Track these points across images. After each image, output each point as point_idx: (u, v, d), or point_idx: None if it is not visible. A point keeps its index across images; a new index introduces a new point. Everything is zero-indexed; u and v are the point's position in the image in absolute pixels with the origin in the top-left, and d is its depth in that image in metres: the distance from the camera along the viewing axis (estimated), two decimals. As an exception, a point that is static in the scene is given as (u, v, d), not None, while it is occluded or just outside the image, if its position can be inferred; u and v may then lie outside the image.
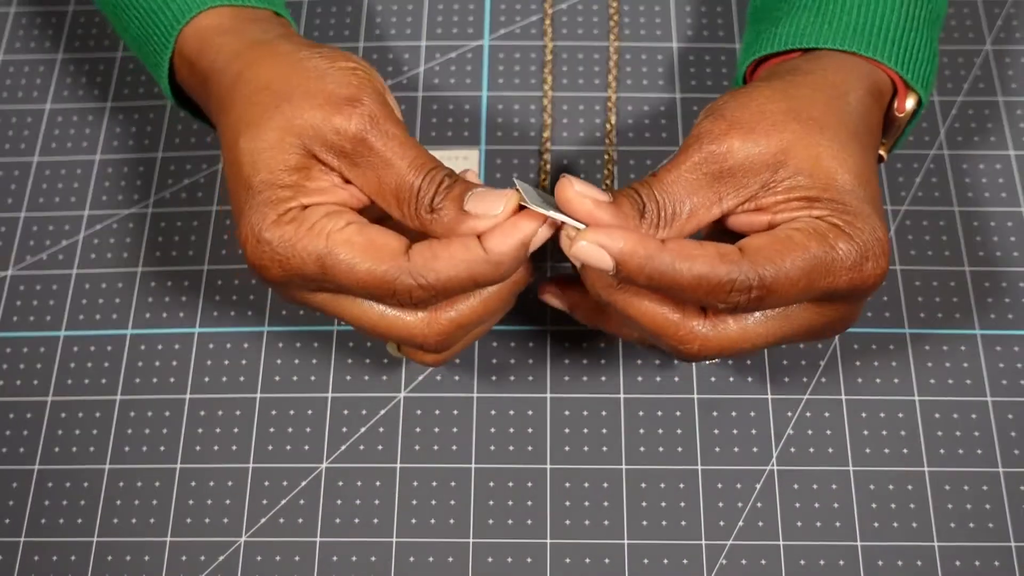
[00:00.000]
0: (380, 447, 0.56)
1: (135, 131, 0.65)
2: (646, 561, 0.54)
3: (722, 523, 0.55)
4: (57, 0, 0.69)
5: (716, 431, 0.56)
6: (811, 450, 0.56)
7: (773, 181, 0.47)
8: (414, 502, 0.55)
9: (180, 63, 0.53)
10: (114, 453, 0.56)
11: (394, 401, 0.57)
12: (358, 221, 0.46)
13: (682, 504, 0.55)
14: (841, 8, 0.52)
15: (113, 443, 0.57)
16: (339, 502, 0.55)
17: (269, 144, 0.47)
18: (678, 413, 0.57)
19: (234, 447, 0.56)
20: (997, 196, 0.62)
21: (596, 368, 0.58)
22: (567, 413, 0.57)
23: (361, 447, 0.56)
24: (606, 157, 0.63)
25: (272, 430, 0.57)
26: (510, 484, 0.56)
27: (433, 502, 0.55)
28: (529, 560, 0.54)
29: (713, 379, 0.58)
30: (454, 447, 0.56)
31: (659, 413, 0.57)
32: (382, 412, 0.57)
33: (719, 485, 0.55)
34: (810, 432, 0.56)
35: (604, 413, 0.57)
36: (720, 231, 0.49)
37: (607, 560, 0.54)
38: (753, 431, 0.56)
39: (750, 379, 0.58)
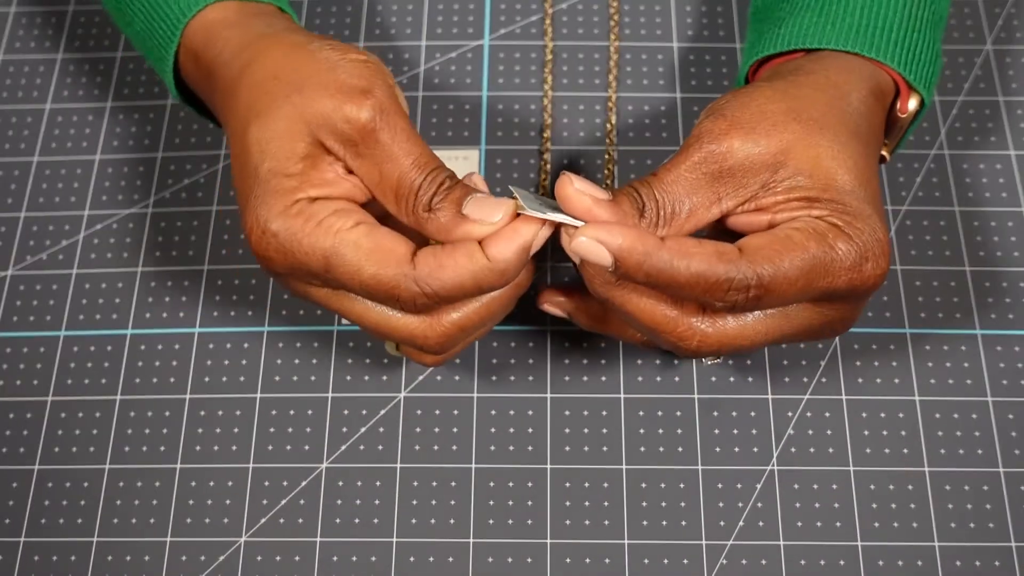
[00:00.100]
0: (380, 447, 0.56)
1: (135, 131, 0.65)
2: (646, 561, 0.54)
3: (722, 523, 0.55)
4: (57, 0, 0.69)
5: (716, 431, 0.56)
6: (811, 450, 0.56)
7: (773, 181, 0.47)
8: (414, 502, 0.55)
9: (185, 57, 0.53)
10: (114, 453, 0.56)
11: (394, 401, 0.57)
12: (367, 222, 0.46)
13: (682, 504, 0.55)
14: (844, 9, 0.52)
15: (113, 443, 0.57)
16: (339, 502, 0.55)
17: (278, 133, 0.47)
18: (678, 413, 0.57)
19: (234, 447, 0.56)
20: (997, 196, 0.62)
21: (596, 368, 0.58)
22: (567, 413, 0.57)
23: (361, 447, 0.56)
24: (606, 157, 0.63)
25: (272, 430, 0.57)
26: (510, 484, 0.56)
27: (433, 502, 0.55)
28: (529, 560, 0.54)
29: (713, 379, 0.58)
30: (454, 447, 0.56)
31: (659, 413, 0.57)
32: (382, 412, 0.57)
33: (719, 485, 0.55)
34: (810, 432, 0.56)
35: (604, 413, 0.57)
36: (721, 231, 0.49)
37: (607, 560, 0.54)
38: (753, 431, 0.56)
39: (750, 379, 0.58)
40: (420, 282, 0.45)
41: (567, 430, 0.57)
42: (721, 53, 0.66)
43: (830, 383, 0.57)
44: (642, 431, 0.57)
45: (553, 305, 0.53)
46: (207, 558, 0.54)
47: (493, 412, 0.57)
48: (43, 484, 0.56)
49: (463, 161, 0.63)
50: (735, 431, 0.56)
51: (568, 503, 0.55)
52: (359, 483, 0.56)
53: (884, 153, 0.54)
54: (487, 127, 0.64)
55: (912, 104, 0.52)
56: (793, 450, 0.56)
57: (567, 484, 0.55)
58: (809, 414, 0.57)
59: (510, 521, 0.55)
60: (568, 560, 0.54)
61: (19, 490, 0.56)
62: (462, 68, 0.66)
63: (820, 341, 0.58)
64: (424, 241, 0.48)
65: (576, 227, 0.45)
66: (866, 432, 0.56)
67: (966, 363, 0.58)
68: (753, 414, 0.57)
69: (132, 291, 0.60)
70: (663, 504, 0.55)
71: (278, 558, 0.54)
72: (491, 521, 0.55)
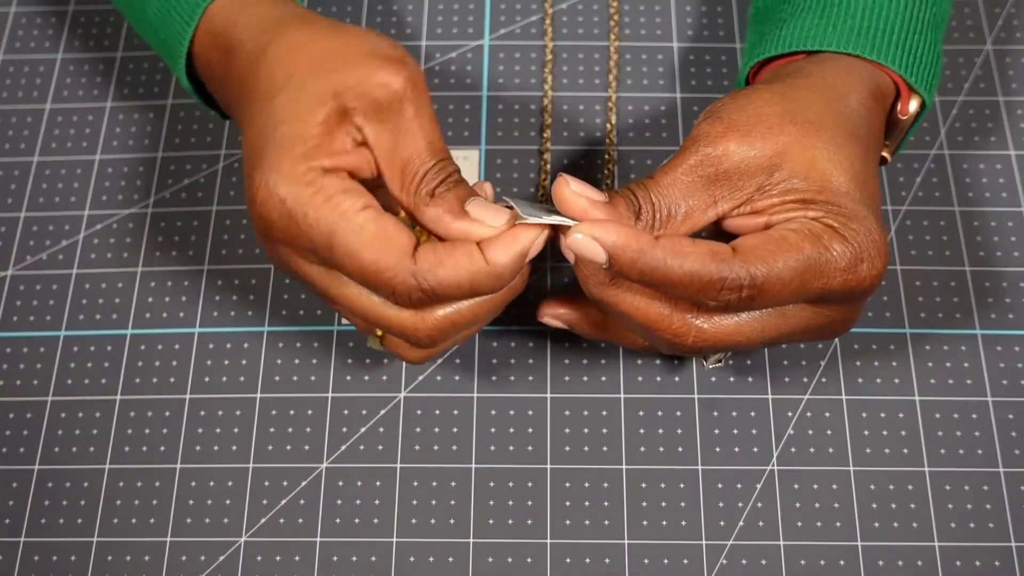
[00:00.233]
0: (380, 447, 0.56)
1: (135, 131, 0.65)
2: (646, 561, 0.54)
3: (722, 523, 0.55)
4: (57, 0, 0.69)
5: (716, 431, 0.56)
6: (811, 450, 0.56)
7: (768, 184, 0.47)
8: (414, 502, 0.55)
9: (201, 39, 0.52)
10: (114, 453, 0.56)
11: (394, 401, 0.57)
12: (374, 207, 0.46)
13: (682, 504, 0.55)
14: (845, 11, 0.52)
15: (113, 443, 0.57)
16: (339, 502, 0.55)
17: (304, 98, 0.46)
18: (678, 413, 0.57)
19: (234, 447, 0.56)
20: (997, 196, 0.62)
21: (596, 368, 0.58)
22: (567, 413, 0.57)
23: (361, 447, 0.56)
24: (606, 157, 0.63)
25: (272, 430, 0.57)
26: (510, 484, 0.56)
27: (433, 502, 0.55)
28: (529, 560, 0.54)
29: (713, 379, 0.58)
30: (454, 447, 0.56)
31: (659, 413, 0.57)
32: (382, 412, 0.57)
33: (719, 485, 0.55)
34: (810, 432, 0.56)
35: (604, 413, 0.57)
36: (719, 234, 0.49)
37: (607, 560, 0.54)
38: (753, 431, 0.56)
39: (750, 379, 0.58)
40: (418, 276, 0.45)
41: (567, 430, 0.57)
42: (721, 53, 0.66)
43: (830, 383, 0.57)
44: (642, 431, 0.57)
45: (553, 317, 0.53)
46: (207, 558, 0.54)
47: (493, 412, 0.57)
48: (43, 484, 0.56)
49: (463, 161, 0.63)
50: (735, 431, 0.56)
51: (568, 503, 0.55)
52: (359, 483, 0.56)
53: (885, 155, 0.54)
54: (487, 127, 0.64)
55: (913, 106, 0.52)
56: (793, 450, 0.56)
57: (567, 484, 0.55)
58: (809, 414, 0.57)
59: (510, 521, 0.55)
60: (568, 560, 0.54)
61: (19, 490, 0.56)
62: (462, 68, 0.66)
63: (820, 342, 0.58)
64: None
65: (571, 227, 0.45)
66: (866, 432, 0.56)
67: (966, 363, 0.58)
68: (753, 414, 0.57)
69: (132, 291, 0.60)
70: (663, 504, 0.55)
71: (278, 558, 0.54)
72: (491, 521, 0.55)
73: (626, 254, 0.44)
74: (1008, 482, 0.55)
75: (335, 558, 0.54)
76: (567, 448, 0.56)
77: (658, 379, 0.58)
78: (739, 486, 0.55)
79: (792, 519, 0.55)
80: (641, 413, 0.57)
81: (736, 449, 0.56)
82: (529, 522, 0.55)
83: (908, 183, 0.62)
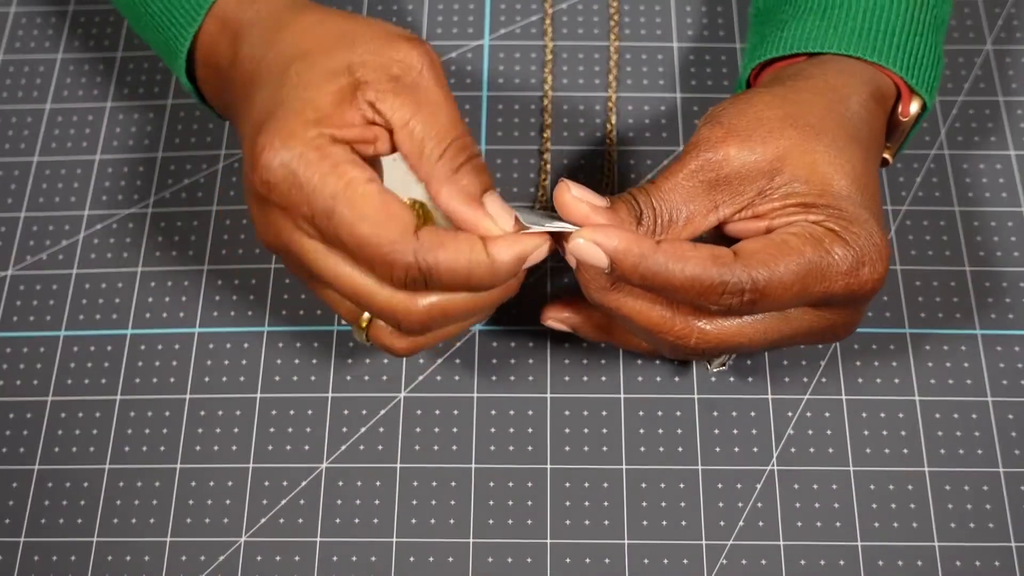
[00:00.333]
0: (380, 447, 0.56)
1: (135, 131, 0.65)
2: (646, 561, 0.54)
3: (722, 523, 0.55)
4: (57, 0, 0.69)
5: (716, 431, 0.56)
6: (811, 450, 0.56)
7: (769, 188, 0.47)
8: (414, 502, 0.55)
9: (208, 27, 0.51)
10: (114, 453, 0.56)
11: (394, 401, 0.57)
12: (380, 183, 0.45)
13: (682, 504, 0.55)
14: (846, 13, 0.52)
15: (113, 443, 0.57)
16: (339, 502, 0.55)
17: (319, 68, 0.46)
18: (678, 413, 0.57)
19: (234, 447, 0.56)
20: (997, 196, 0.62)
21: (596, 368, 0.58)
22: (567, 413, 0.57)
23: (361, 447, 0.56)
24: (606, 157, 0.63)
25: (272, 430, 0.57)
26: (510, 484, 0.56)
27: (433, 502, 0.55)
28: (529, 560, 0.54)
29: (713, 379, 0.58)
30: (454, 447, 0.56)
31: (659, 413, 0.57)
32: (382, 412, 0.57)
33: (719, 485, 0.55)
34: (810, 432, 0.56)
35: (604, 413, 0.57)
36: (721, 238, 0.49)
37: (607, 560, 0.54)
38: (753, 431, 0.56)
39: (750, 379, 0.58)
40: (418, 253, 0.44)
41: (567, 430, 0.57)
42: (721, 53, 0.66)
43: (830, 383, 0.57)
44: (642, 431, 0.57)
45: (557, 320, 0.53)
46: (207, 558, 0.54)
47: (493, 412, 0.57)
48: (43, 484, 0.56)
49: (463, 161, 0.63)
50: (735, 431, 0.56)
51: (568, 503, 0.55)
52: (359, 483, 0.56)
53: (886, 156, 0.54)
54: (487, 127, 0.64)
55: (914, 107, 0.52)
56: (793, 450, 0.56)
57: (567, 484, 0.55)
58: (809, 414, 0.57)
59: (510, 521, 0.55)
60: (568, 560, 0.54)
61: (19, 490, 0.56)
62: (462, 68, 0.66)
63: (824, 344, 0.58)
64: None
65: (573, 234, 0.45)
66: (866, 432, 0.56)
67: (966, 363, 0.58)
68: (753, 414, 0.57)
69: (132, 291, 0.60)
70: (663, 504, 0.55)
71: (278, 558, 0.54)
72: (491, 521, 0.55)
73: (628, 258, 0.44)
74: (1008, 482, 0.55)
75: (335, 558, 0.54)
76: (567, 448, 0.56)
77: (658, 379, 0.58)
78: (739, 486, 0.55)
79: (792, 519, 0.55)
80: (641, 413, 0.57)
81: (736, 449, 0.56)
82: (529, 522, 0.55)
83: (908, 183, 0.62)
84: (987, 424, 0.56)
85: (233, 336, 0.59)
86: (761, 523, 0.55)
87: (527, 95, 0.65)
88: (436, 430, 0.57)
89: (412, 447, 0.56)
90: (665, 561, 0.54)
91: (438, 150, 0.46)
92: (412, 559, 0.54)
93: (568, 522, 0.55)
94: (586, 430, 0.57)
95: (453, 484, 0.55)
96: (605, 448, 0.56)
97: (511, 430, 0.57)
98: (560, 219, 0.46)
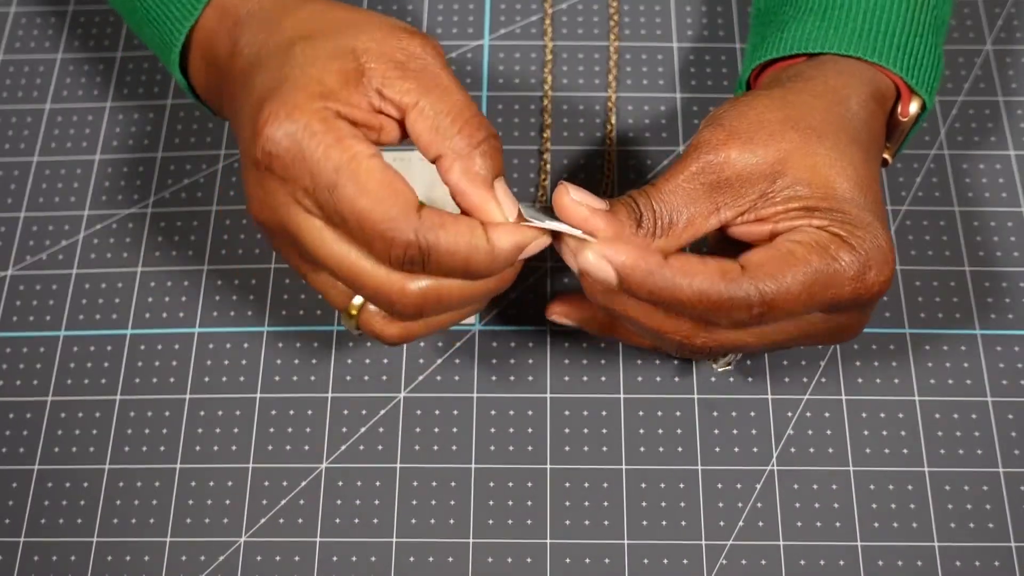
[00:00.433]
0: (380, 447, 0.56)
1: (135, 131, 0.65)
2: (646, 561, 0.54)
3: (722, 523, 0.55)
4: (57, 0, 0.69)
5: (716, 431, 0.56)
6: (811, 450, 0.56)
7: (771, 191, 0.47)
8: (414, 502, 0.55)
9: (207, 16, 0.51)
10: (114, 453, 0.56)
11: (394, 401, 0.57)
12: (383, 160, 0.45)
13: (682, 504, 0.55)
14: (846, 13, 0.52)
15: (113, 443, 0.57)
16: (339, 502, 0.55)
17: (323, 49, 0.46)
18: (678, 413, 0.57)
19: (234, 447, 0.56)
20: (997, 196, 0.62)
21: (596, 368, 0.58)
22: (567, 413, 0.57)
23: (361, 447, 0.56)
24: (606, 157, 0.63)
25: (272, 430, 0.57)
26: (510, 484, 0.56)
27: (433, 502, 0.55)
28: (529, 560, 0.54)
29: (713, 379, 0.58)
30: (454, 447, 0.56)
31: (659, 413, 0.57)
32: (382, 412, 0.57)
33: (719, 485, 0.55)
34: (810, 432, 0.56)
35: (604, 413, 0.57)
36: (724, 240, 0.49)
37: (607, 560, 0.54)
38: (753, 431, 0.56)
39: (750, 379, 0.58)
40: (419, 231, 0.43)
41: (567, 430, 0.57)
42: (721, 53, 0.66)
43: (830, 383, 0.57)
44: (642, 431, 0.57)
45: (562, 316, 0.53)
46: (207, 558, 0.54)
47: (493, 412, 0.57)
48: (43, 484, 0.56)
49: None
50: (735, 431, 0.56)
51: (568, 503, 0.55)
52: (359, 483, 0.56)
53: (886, 156, 0.54)
54: (487, 127, 0.64)
55: (913, 108, 0.52)
56: (793, 450, 0.56)
57: (567, 484, 0.55)
58: (809, 414, 0.57)
59: (510, 521, 0.55)
60: (568, 560, 0.54)
61: (19, 490, 0.56)
62: (462, 68, 0.66)
63: (830, 345, 0.58)
64: None
65: (573, 235, 0.45)
66: (866, 432, 0.56)
67: (966, 363, 0.58)
68: (753, 414, 0.57)
69: (132, 291, 0.60)
70: (663, 504, 0.55)
71: (278, 558, 0.54)
72: (491, 521, 0.55)
73: (635, 274, 0.44)
74: (1008, 482, 0.55)
75: (335, 558, 0.54)
76: (567, 448, 0.56)
77: (658, 379, 0.58)
78: (739, 486, 0.55)
79: (792, 519, 0.55)
80: (641, 413, 0.57)
81: (736, 449, 0.56)
82: (529, 522, 0.55)
83: (908, 183, 0.62)
84: (987, 424, 0.56)
85: (233, 336, 0.59)
86: (761, 523, 0.55)
87: (527, 95, 0.65)
88: (436, 430, 0.57)
89: (412, 447, 0.56)
90: (665, 561, 0.54)
91: (455, 126, 0.46)
92: (412, 559, 0.54)
93: (568, 522, 0.55)
94: (586, 430, 0.57)
95: (453, 484, 0.55)
96: (605, 448, 0.56)
97: (511, 430, 0.57)
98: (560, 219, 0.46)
